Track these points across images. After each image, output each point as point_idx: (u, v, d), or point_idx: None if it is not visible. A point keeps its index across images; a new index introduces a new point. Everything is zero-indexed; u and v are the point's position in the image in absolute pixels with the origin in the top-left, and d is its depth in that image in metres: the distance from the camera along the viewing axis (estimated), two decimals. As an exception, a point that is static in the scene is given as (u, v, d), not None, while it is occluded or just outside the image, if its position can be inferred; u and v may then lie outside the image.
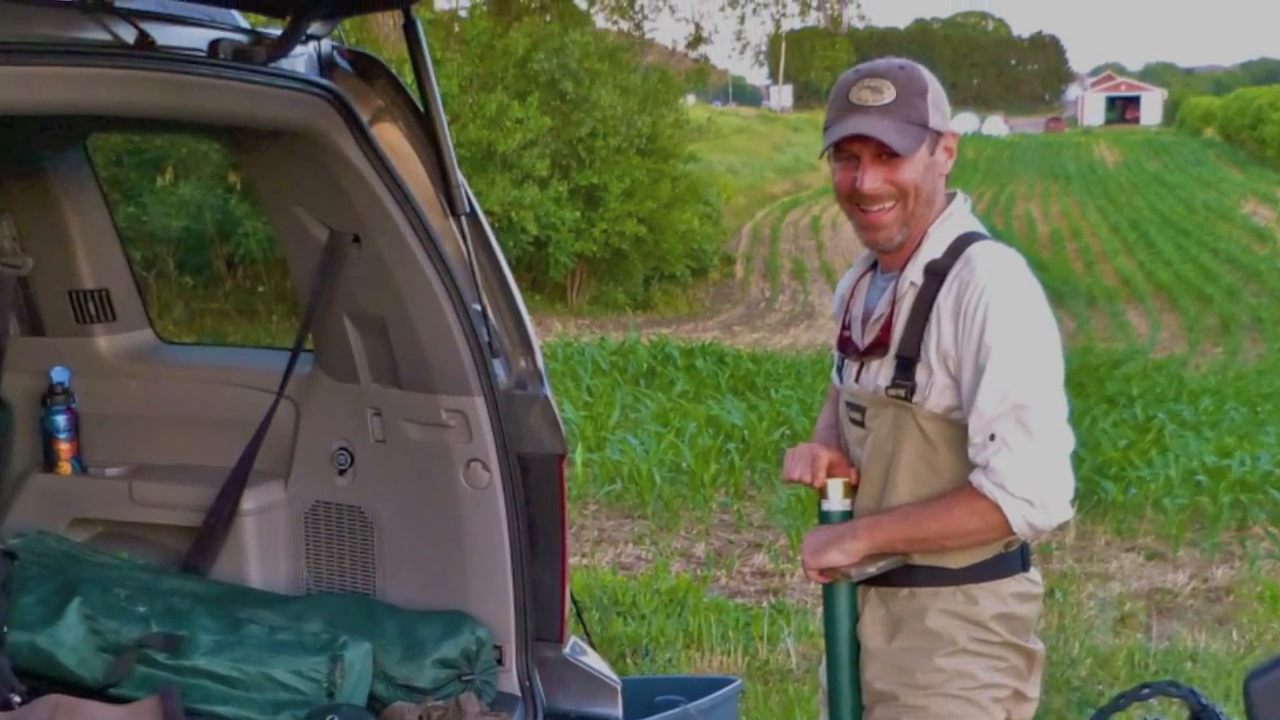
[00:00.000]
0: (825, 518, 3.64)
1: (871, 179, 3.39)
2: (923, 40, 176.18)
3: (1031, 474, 3.25)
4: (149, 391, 5.39)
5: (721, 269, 45.42)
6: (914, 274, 3.46)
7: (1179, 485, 12.51)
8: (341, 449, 4.87)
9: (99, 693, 4.38)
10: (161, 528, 5.18)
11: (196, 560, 5.01)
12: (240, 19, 4.28)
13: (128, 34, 3.65)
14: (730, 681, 5.65)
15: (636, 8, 42.81)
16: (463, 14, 39.56)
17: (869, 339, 3.56)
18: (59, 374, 5.24)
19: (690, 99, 53.02)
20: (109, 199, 5.59)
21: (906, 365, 3.44)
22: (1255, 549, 10.81)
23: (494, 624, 4.59)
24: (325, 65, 4.36)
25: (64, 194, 5.23)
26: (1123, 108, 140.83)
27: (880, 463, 3.54)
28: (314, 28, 4.13)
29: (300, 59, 4.24)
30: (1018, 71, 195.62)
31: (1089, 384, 20.36)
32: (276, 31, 4.08)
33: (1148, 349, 32.87)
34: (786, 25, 46.22)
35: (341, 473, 4.89)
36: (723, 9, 44.96)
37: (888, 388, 3.47)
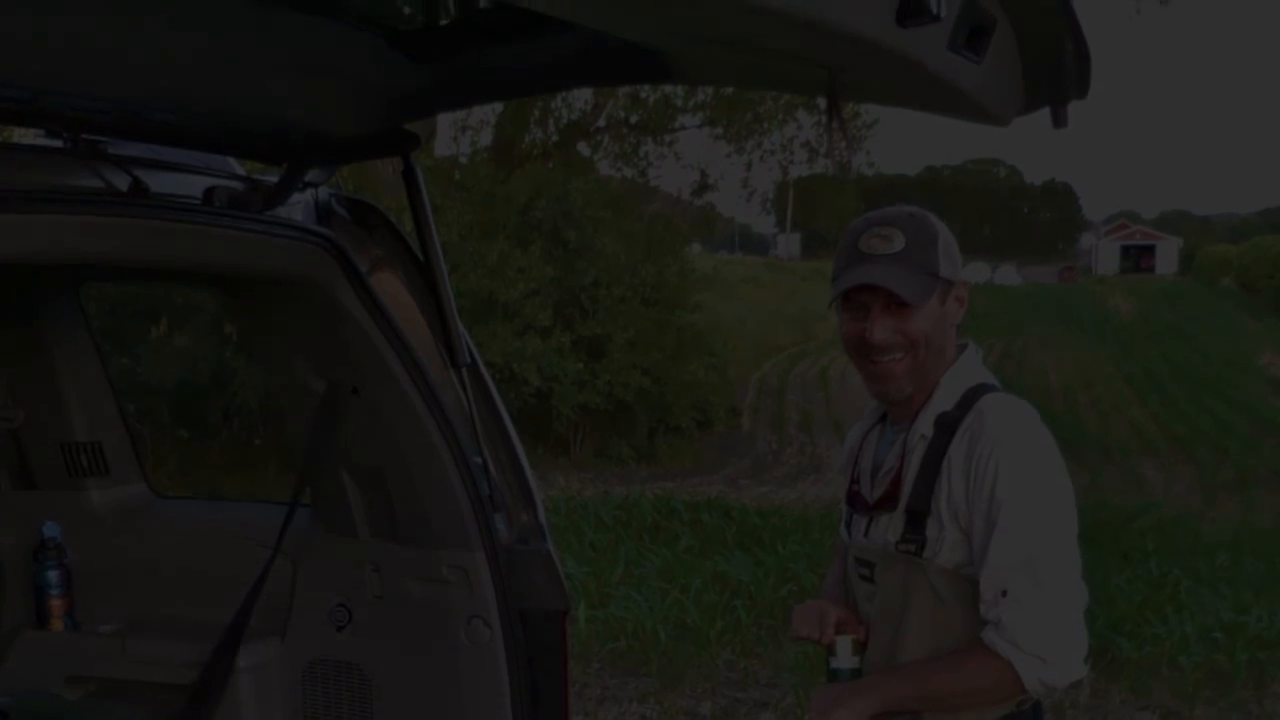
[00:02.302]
0: (834, 675, 3.59)
1: (881, 329, 3.34)
2: (933, 187, 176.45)
3: (1044, 631, 3.19)
4: (143, 546, 5.36)
5: (728, 421, 45.34)
6: (924, 426, 3.41)
7: (1195, 642, 12.34)
8: (339, 605, 4.80)
9: None
10: (156, 685, 5.10)
11: (191, 719, 4.91)
12: (236, 165, 4.27)
13: (121, 181, 3.62)
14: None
15: (640, 154, 42.96)
16: (463, 160, 39.71)
17: (878, 493, 3.51)
18: (50, 529, 5.21)
19: (696, 247, 53.31)
20: (102, 349, 5.58)
21: (917, 520, 3.37)
22: (1274, 708, 10.66)
23: (494, 785, 4.47)
24: (323, 213, 4.35)
25: (56, 345, 5.23)
26: (1137, 256, 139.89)
27: (889, 619, 3.47)
28: (311, 174, 4.13)
29: (297, 206, 4.22)
30: (1030, 220, 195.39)
31: (1103, 538, 20.18)
32: (273, 178, 4.06)
33: (1163, 503, 32.73)
34: (794, 172, 46.24)
35: (339, 629, 4.82)
36: (729, 155, 44.94)
37: (897, 543, 3.41)
